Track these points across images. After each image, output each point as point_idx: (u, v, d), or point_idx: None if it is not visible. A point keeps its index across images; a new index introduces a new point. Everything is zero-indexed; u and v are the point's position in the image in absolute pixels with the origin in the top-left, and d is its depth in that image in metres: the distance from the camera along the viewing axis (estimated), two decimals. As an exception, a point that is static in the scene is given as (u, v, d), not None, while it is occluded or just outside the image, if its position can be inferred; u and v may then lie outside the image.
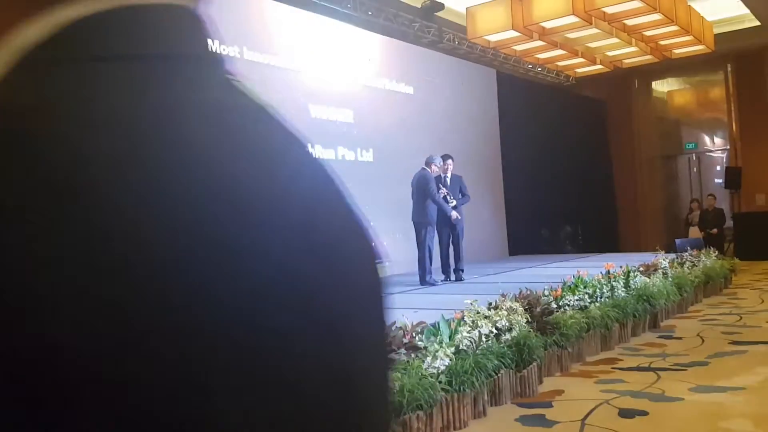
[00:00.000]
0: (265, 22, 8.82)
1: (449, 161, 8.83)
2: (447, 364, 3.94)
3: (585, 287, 6.13)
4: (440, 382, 3.77)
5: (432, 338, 4.20)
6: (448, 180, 8.82)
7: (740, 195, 15.03)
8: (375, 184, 10.11)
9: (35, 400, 0.24)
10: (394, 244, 10.17)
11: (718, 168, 16.33)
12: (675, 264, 8.55)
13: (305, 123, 9.12)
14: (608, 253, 12.47)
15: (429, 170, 8.50)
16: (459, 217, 8.43)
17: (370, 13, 10.50)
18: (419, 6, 11.39)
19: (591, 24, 9.67)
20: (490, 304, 5.07)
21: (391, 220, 10.13)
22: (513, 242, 13.51)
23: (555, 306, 5.62)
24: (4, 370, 0.24)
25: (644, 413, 3.99)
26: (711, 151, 16.65)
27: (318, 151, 7.91)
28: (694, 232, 13.00)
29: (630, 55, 11.97)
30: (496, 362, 4.27)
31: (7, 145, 0.27)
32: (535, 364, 4.64)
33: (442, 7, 11.37)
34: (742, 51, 14.54)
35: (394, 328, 4.31)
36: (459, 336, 4.28)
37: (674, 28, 10.35)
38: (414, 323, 4.41)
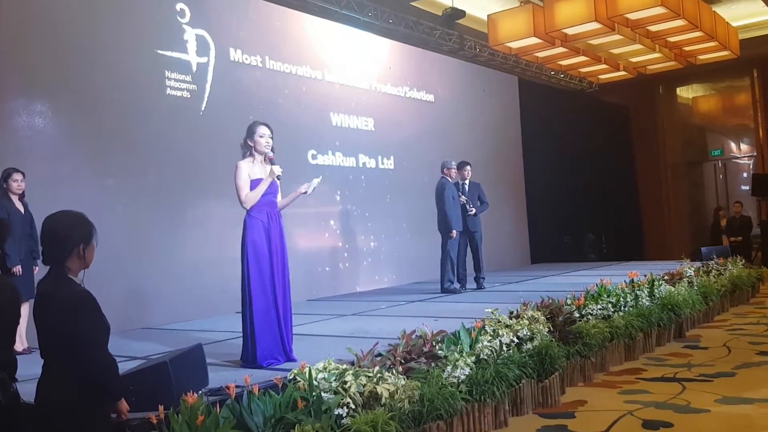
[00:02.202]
0: (287, 32, 8.88)
1: (467, 168, 8.79)
2: (467, 373, 3.90)
3: (608, 296, 6.05)
4: (461, 392, 3.73)
5: (452, 347, 4.16)
6: (467, 187, 8.78)
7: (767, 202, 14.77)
8: (396, 192, 10.12)
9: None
10: (415, 252, 10.16)
11: (745, 175, 16.09)
12: (701, 272, 8.42)
13: (327, 131, 9.17)
14: (632, 261, 12.34)
15: (447, 177, 8.47)
16: (455, 236, 8.35)
17: (390, 21, 10.52)
18: (440, 14, 11.40)
19: (614, 30, 9.59)
20: (512, 312, 5.03)
21: (412, 227, 10.13)
22: (535, 250, 13.43)
23: (578, 315, 5.55)
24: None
25: (669, 425, 3.92)
26: (737, 158, 16.41)
27: (339, 159, 8.04)
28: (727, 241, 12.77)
29: (654, 61, 11.85)
30: (517, 372, 4.22)
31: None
32: (557, 374, 4.58)
33: (463, 14, 11.36)
34: (769, 56, 14.32)
35: (414, 336, 4.29)
36: (480, 345, 4.24)
37: (698, 33, 10.24)
38: (434, 332, 4.39)
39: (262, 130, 4.60)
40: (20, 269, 5.33)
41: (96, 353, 2.60)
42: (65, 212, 2.75)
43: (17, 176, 5.50)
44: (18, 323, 2.79)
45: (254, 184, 4.51)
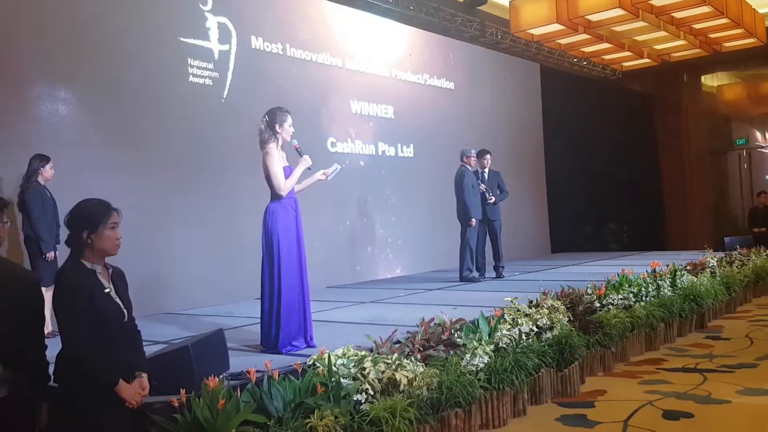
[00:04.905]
0: (307, 19, 8.87)
1: (487, 156, 8.75)
2: (486, 361, 3.91)
3: (630, 286, 6.01)
4: (479, 380, 3.74)
5: (471, 335, 4.17)
6: (486, 175, 8.74)
7: (792, 192, 14.52)
8: (415, 180, 10.10)
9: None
10: (434, 240, 10.15)
11: (770, 164, 15.86)
12: (723, 263, 8.33)
13: (346, 118, 9.17)
14: (654, 251, 12.23)
15: (466, 165, 8.43)
16: (475, 225, 8.30)
17: (411, 8, 10.46)
18: (461, 0, 11.31)
19: (638, 17, 9.47)
20: (531, 301, 5.02)
21: (432, 215, 10.11)
22: (555, 239, 13.35)
23: (598, 305, 5.52)
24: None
25: (689, 415, 3.89)
26: (762, 147, 16.17)
27: (359, 147, 8.01)
28: None
29: (678, 48, 11.69)
30: (536, 361, 4.22)
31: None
32: (576, 363, 4.57)
33: (484, 0, 11.26)
34: (797, 44, 14.03)
35: (432, 324, 4.30)
36: (499, 334, 4.25)
37: (724, 20, 10.07)
38: (453, 320, 4.39)
39: (291, 119, 4.62)
40: (53, 255, 5.41)
41: (66, 332, 2.67)
42: (87, 199, 2.82)
43: (51, 163, 5.64)
44: (42, 317, 2.87)
45: (284, 171, 4.55)
